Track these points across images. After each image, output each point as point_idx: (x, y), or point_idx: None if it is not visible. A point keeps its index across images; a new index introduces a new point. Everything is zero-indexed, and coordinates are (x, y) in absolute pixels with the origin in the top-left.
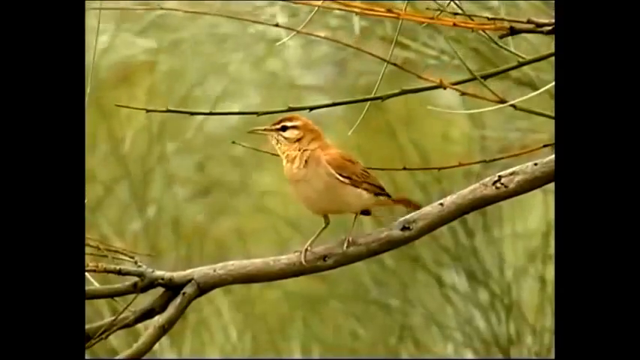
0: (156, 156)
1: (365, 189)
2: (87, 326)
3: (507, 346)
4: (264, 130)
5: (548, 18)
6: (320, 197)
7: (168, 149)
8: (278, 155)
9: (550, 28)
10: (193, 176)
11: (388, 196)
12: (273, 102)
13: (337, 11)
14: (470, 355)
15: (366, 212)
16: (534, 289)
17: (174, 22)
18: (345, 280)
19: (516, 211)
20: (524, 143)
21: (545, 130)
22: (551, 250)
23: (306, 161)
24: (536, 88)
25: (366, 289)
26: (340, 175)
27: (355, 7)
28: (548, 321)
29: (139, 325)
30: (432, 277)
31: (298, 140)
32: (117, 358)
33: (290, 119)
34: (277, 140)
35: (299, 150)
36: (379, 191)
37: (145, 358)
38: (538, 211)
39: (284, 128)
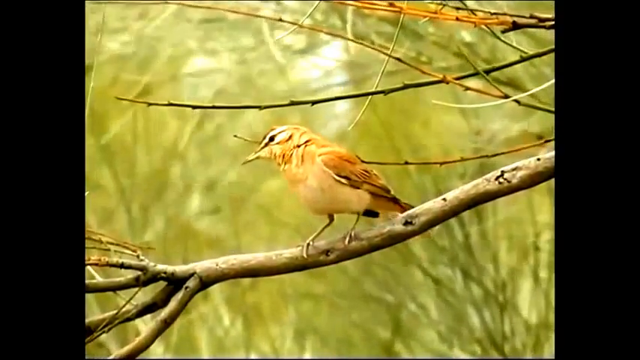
0: (155, 155)
1: (366, 190)
2: (87, 320)
3: (502, 343)
4: (256, 153)
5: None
6: (318, 196)
7: (168, 149)
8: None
9: (552, 23)
10: (193, 175)
11: (394, 197)
12: (274, 113)
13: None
14: (462, 353)
15: (374, 214)
16: (528, 285)
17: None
18: (339, 276)
19: (511, 209)
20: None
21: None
22: (545, 246)
23: (302, 158)
24: (527, 90)
25: (359, 285)
26: (337, 175)
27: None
28: (542, 317)
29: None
30: (427, 274)
31: (289, 139)
32: (118, 353)
33: (273, 129)
34: (271, 151)
35: (293, 148)
36: (383, 192)
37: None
38: (532, 210)
39: (272, 138)
